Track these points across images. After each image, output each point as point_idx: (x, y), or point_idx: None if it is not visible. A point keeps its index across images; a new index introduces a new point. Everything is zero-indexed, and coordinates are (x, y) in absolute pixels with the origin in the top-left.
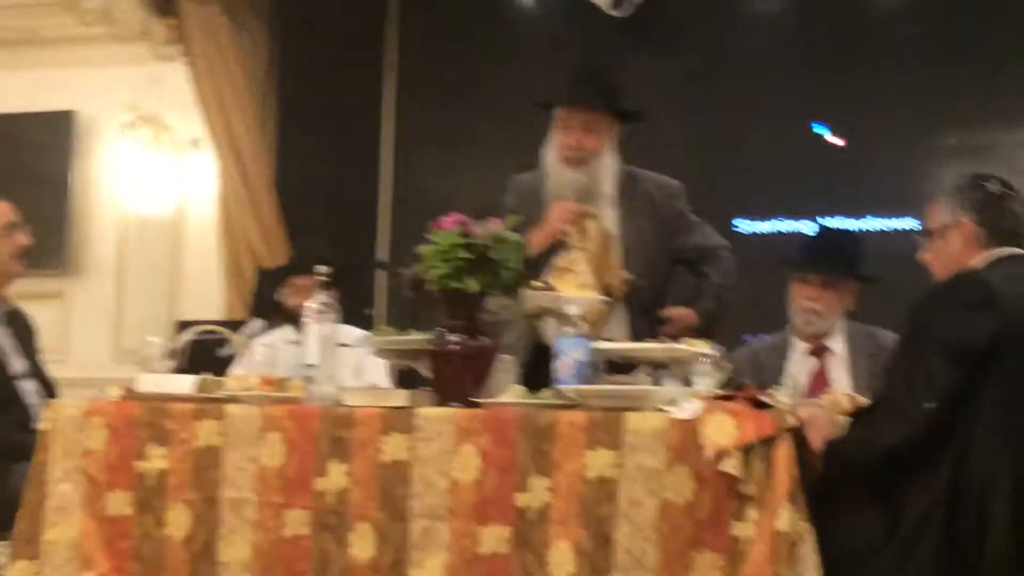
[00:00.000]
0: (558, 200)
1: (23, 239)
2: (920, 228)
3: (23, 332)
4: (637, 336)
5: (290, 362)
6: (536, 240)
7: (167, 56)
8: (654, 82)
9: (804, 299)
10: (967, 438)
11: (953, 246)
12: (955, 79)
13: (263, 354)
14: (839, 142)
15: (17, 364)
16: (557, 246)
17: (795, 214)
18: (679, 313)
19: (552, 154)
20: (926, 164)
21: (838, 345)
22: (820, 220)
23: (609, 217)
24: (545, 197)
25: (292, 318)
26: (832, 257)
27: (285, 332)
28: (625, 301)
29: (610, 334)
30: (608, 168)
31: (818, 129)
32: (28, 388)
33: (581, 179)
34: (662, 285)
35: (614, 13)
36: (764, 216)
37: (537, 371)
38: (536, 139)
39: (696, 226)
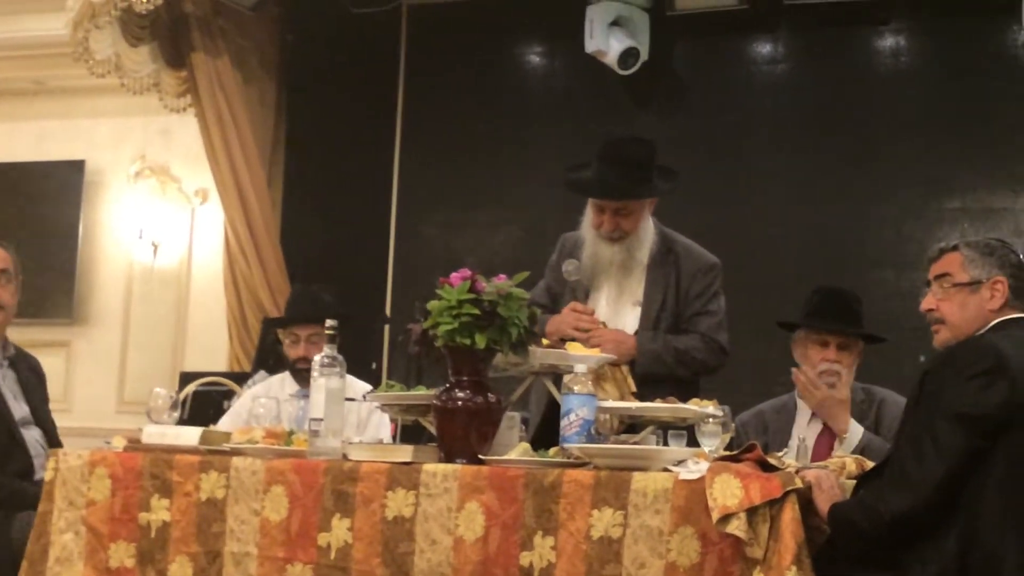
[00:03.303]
0: (571, 304)
1: (4, 295)
2: (937, 275)
3: (29, 377)
4: None
5: (281, 414)
6: (550, 332)
7: (176, 108)
8: (660, 139)
9: (825, 361)
10: (975, 509)
11: (982, 302)
12: (960, 144)
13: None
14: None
15: (18, 410)
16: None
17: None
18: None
19: (589, 228)
20: (931, 228)
21: None
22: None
23: (639, 284)
24: (585, 262)
25: (294, 369)
26: (847, 317)
27: (284, 383)
28: None
29: None
30: (645, 241)
31: None
32: (30, 436)
33: (617, 255)
34: None
35: (620, 71)
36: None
37: (554, 427)
38: (543, 198)
39: (710, 314)
